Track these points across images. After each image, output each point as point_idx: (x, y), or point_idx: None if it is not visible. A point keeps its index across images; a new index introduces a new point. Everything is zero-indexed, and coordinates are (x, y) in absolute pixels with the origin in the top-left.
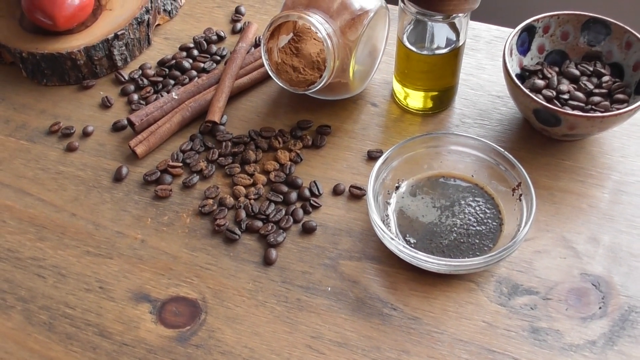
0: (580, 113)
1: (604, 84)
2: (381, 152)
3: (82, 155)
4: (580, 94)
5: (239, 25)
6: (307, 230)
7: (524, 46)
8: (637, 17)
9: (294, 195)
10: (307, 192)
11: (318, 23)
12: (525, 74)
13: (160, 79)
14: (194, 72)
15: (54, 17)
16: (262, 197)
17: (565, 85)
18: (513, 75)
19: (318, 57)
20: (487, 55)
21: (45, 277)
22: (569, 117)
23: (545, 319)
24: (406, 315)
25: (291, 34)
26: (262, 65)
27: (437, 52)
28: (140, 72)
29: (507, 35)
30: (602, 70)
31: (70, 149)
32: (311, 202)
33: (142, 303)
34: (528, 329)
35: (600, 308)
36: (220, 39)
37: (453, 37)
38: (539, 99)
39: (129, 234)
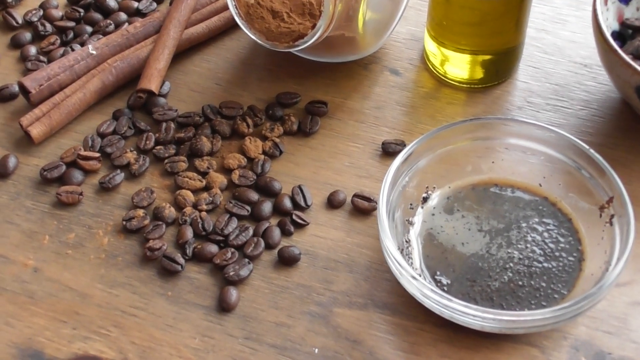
0: None
1: None
2: (403, 145)
3: None
4: None
5: None
6: (286, 261)
7: None
8: None
9: (267, 207)
10: (287, 203)
11: None
12: (626, 32)
13: (72, 24)
14: (123, 16)
15: None
16: (220, 209)
17: None
18: (607, 34)
19: None
20: (571, 2)
21: None
22: None
23: None
24: None
25: None
26: (227, 7)
27: None
28: (42, 12)
29: None
30: None
31: None
32: (294, 217)
33: None
34: None
35: None
36: None
37: None
38: None
39: (16, 258)
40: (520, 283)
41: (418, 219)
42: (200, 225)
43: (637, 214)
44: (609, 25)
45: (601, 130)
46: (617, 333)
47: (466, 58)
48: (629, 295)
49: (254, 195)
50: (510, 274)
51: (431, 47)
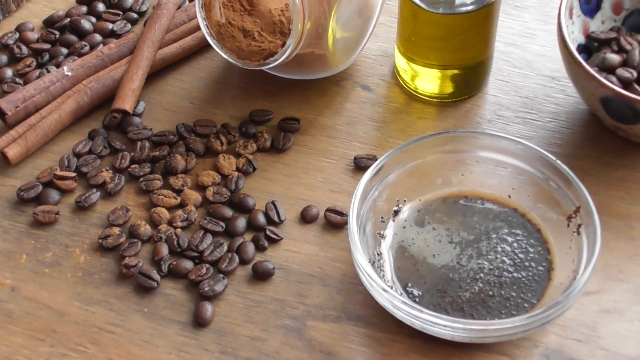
0: None
1: None
2: (375, 159)
3: None
4: None
5: None
6: (261, 276)
7: (590, 4)
8: None
9: (241, 223)
10: (261, 219)
11: None
12: (592, 45)
13: (48, 46)
14: (98, 37)
15: None
16: (195, 225)
17: None
18: (572, 48)
19: (282, 15)
20: (539, 16)
21: None
22: None
23: None
24: None
25: None
26: (200, 27)
27: (460, 9)
28: (18, 35)
29: None
30: None
31: None
32: (267, 233)
33: None
34: None
35: None
36: None
37: None
38: (612, 82)
39: None
40: (490, 293)
41: (389, 232)
42: (175, 242)
43: (603, 223)
44: (575, 38)
45: (570, 142)
46: (586, 341)
47: (435, 73)
48: (598, 304)
49: (228, 212)
50: (481, 285)
51: (401, 62)
